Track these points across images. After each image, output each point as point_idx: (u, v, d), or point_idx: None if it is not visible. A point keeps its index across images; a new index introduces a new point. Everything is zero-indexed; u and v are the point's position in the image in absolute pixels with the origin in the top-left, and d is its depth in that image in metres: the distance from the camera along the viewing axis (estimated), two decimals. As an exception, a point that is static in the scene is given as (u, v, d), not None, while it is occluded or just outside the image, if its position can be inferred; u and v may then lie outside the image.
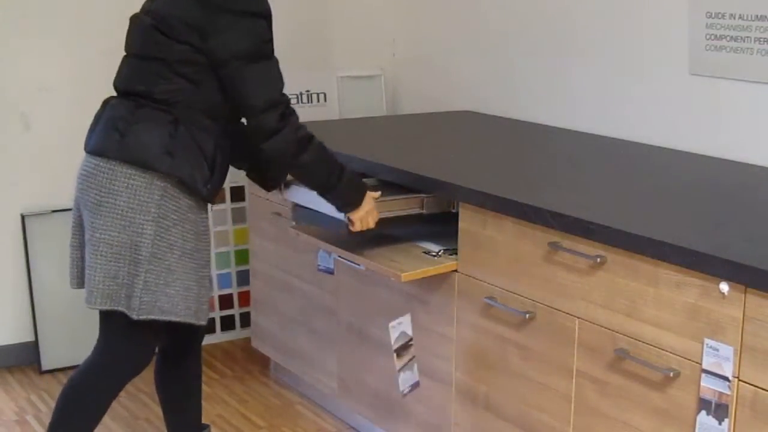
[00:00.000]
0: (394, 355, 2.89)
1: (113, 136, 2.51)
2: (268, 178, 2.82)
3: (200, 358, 2.94)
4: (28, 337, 3.89)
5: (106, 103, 2.62)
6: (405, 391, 2.92)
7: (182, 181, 2.51)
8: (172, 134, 2.49)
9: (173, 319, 2.57)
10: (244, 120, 2.61)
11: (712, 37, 3.03)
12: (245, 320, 4.12)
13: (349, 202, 2.65)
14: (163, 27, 2.50)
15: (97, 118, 2.61)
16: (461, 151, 3.30)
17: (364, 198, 2.66)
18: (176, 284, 2.55)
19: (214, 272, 4.13)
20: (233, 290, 4.18)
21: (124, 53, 2.64)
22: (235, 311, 4.20)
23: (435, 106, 4.13)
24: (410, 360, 2.92)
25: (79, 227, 2.62)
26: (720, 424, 2.05)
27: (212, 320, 4.14)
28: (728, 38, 2.99)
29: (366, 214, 2.67)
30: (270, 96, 2.53)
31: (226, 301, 4.18)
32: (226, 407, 3.58)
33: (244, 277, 4.08)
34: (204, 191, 2.56)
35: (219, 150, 2.58)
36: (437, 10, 4.17)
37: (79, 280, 2.66)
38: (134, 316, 2.53)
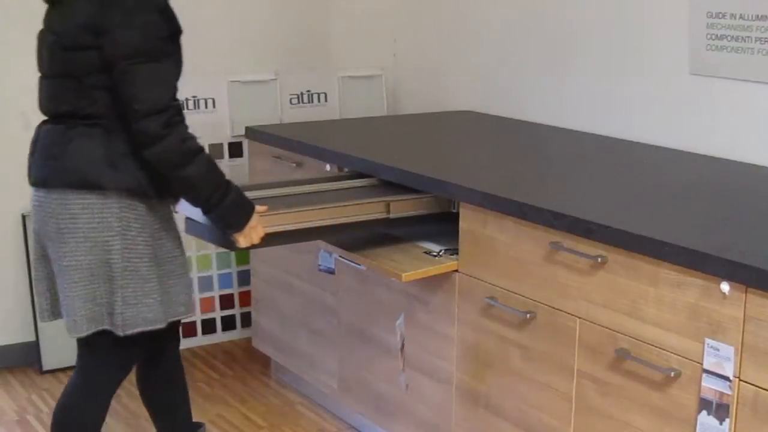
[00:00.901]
0: (400, 354, 2.89)
1: (51, 164, 2.46)
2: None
3: (179, 356, 2.87)
4: (29, 337, 3.89)
5: (39, 128, 2.54)
6: (405, 388, 2.93)
7: (130, 189, 2.45)
8: (106, 146, 2.43)
9: (160, 326, 2.54)
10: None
11: (713, 37, 3.03)
12: (246, 320, 4.12)
13: (231, 223, 2.51)
14: (65, 41, 2.42)
15: (33, 145, 2.55)
16: (461, 151, 3.30)
17: (248, 220, 2.52)
18: (154, 292, 2.51)
19: (215, 272, 4.13)
20: (234, 290, 4.18)
21: (39, 74, 2.54)
22: (236, 311, 4.20)
23: (435, 106, 4.13)
24: (405, 362, 2.93)
25: (43, 259, 2.57)
26: (721, 424, 2.05)
27: (213, 320, 4.15)
28: (729, 38, 2.99)
29: (249, 231, 2.53)
30: (156, 100, 2.38)
31: (226, 301, 4.18)
32: (226, 407, 3.58)
33: (244, 277, 4.08)
34: (154, 193, 2.49)
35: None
36: (438, 11, 4.17)
37: (51, 312, 2.60)
38: (120, 333, 2.50)
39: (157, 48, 2.40)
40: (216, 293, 4.15)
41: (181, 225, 2.69)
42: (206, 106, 4.03)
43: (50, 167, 2.47)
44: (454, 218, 2.74)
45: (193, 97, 4.01)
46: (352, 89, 4.29)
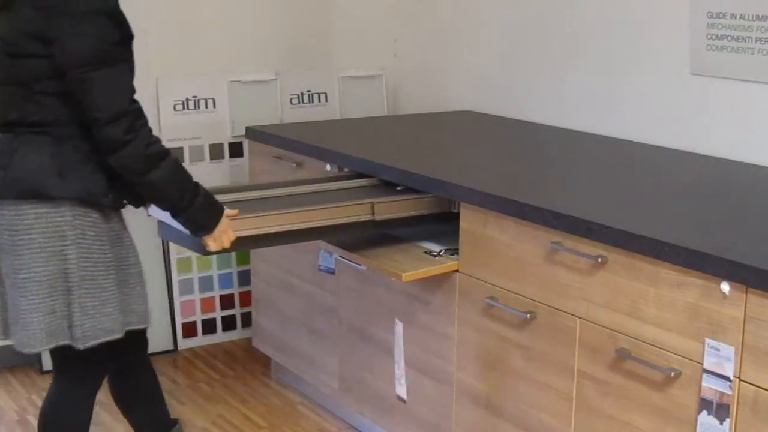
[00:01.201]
0: (402, 357, 2.89)
1: (0, 175, 2.39)
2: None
3: (148, 359, 2.80)
4: (29, 337, 3.89)
5: None
6: (404, 397, 2.93)
7: (80, 199, 2.39)
8: (55, 154, 2.37)
9: (118, 336, 2.48)
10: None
11: (713, 37, 3.03)
12: (246, 320, 4.12)
13: (201, 226, 2.46)
14: (12, 49, 2.35)
15: None
16: (461, 151, 3.29)
17: (218, 222, 2.48)
18: (111, 301, 2.46)
19: (216, 272, 4.13)
20: (234, 290, 4.18)
21: None
22: (236, 311, 4.20)
23: (435, 106, 4.13)
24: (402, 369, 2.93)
25: None
26: (721, 424, 2.05)
27: (213, 320, 4.15)
28: (729, 38, 2.99)
29: (219, 234, 2.48)
30: (116, 106, 2.32)
31: (227, 301, 4.18)
32: (227, 407, 3.58)
33: (245, 277, 4.08)
34: (107, 201, 2.44)
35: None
36: (438, 11, 4.17)
37: (2, 331, 2.51)
38: (80, 346, 2.44)
39: (110, 53, 2.34)
40: (216, 293, 4.15)
41: (154, 229, 2.66)
42: (206, 106, 4.03)
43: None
44: (454, 218, 2.75)
45: (193, 97, 4.01)
46: (352, 89, 4.29)
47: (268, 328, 3.70)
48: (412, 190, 2.85)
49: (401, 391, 2.95)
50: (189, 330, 4.10)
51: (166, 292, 4.05)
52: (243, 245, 2.59)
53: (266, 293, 3.68)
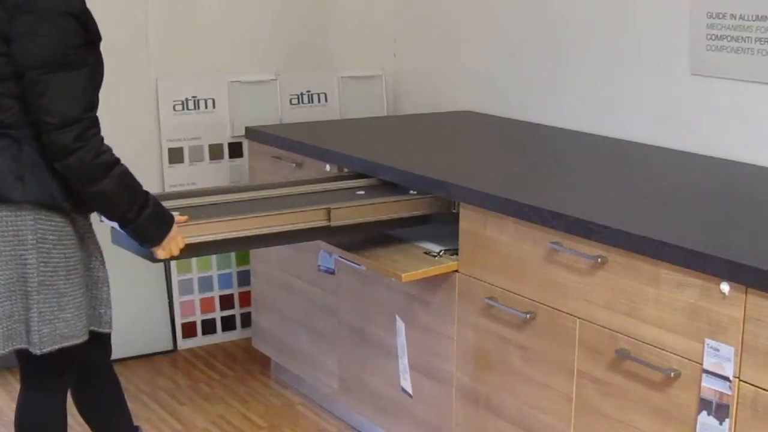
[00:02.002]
0: (406, 356, 2.89)
1: None
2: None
3: (110, 365, 2.75)
4: (29, 338, 3.89)
5: None
6: (409, 391, 2.93)
7: (41, 203, 2.35)
8: (15, 157, 2.32)
9: (76, 342, 2.45)
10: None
11: (713, 37, 3.03)
12: (246, 320, 4.12)
13: (149, 239, 2.41)
14: None
15: None
16: (461, 151, 3.29)
17: (167, 234, 2.42)
18: (70, 306, 2.42)
19: (215, 273, 4.13)
20: (234, 290, 4.18)
21: None
22: (236, 311, 4.20)
23: (435, 106, 4.13)
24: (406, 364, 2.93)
25: None
26: (721, 424, 2.05)
27: (213, 320, 4.15)
28: (729, 38, 2.99)
29: (168, 242, 2.43)
30: (67, 112, 2.25)
31: (226, 301, 4.18)
32: (227, 407, 3.58)
33: (244, 277, 4.08)
34: (67, 205, 2.38)
35: None
36: (438, 11, 4.17)
37: None
38: (37, 351, 2.40)
39: (70, 57, 2.26)
40: (216, 293, 4.15)
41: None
42: (206, 106, 4.03)
43: None
44: (453, 218, 2.74)
45: (193, 97, 4.01)
46: (352, 89, 4.29)
47: (268, 328, 3.70)
48: (423, 192, 2.84)
49: (407, 385, 2.94)
50: (189, 330, 4.10)
51: (165, 293, 4.04)
52: (193, 252, 2.56)
53: (266, 293, 3.68)
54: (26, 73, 2.26)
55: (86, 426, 3.46)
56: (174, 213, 2.51)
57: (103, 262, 2.53)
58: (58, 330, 2.41)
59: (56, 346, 2.41)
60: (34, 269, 2.36)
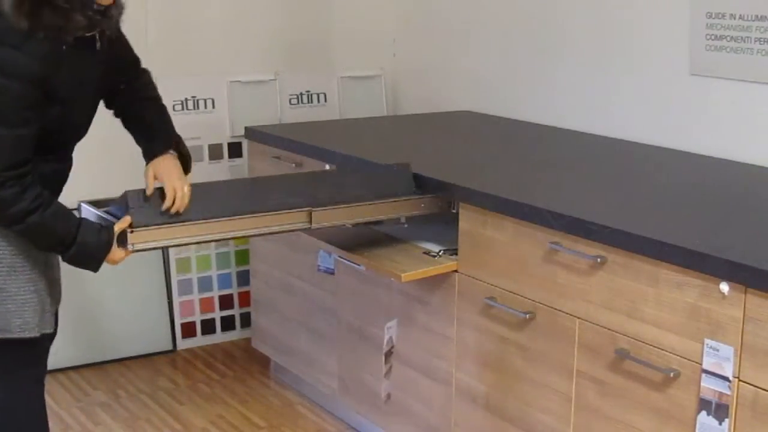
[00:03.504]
0: (383, 358, 2.89)
1: None
2: None
3: (33, 393, 2.64)
4: (29, 338, 3.88)
5: None
6: (384, 399, 2.92)
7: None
8: None
9: (7, 336, 2.43)
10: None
11: (712, 37, 3.03)
12: (245, 320, 4.12)
13: (83, 267, 2.43)
14: None
15: None
16: (461, 151, 3.30)
17: (100, 263, 2.43)
18: (8, 302, 2.41)
19: (215, 273, 4.13)
20: (233, 290, 4.18)
21: None
22: (236, 311, 4.20)
23: (435, 106, 4.13)
24: (390, 369, 2.92)
25: None
26: (720, 424, 2.05)
27: (212, 320, 4.15)
28: (728, 38, 2.99)
29: (110, 261, 2.45)
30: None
31: (226, 302, 4.18)
32: (226, 407, 3.58)
33: (244, 278, 4.08)
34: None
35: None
36: (437, 11, 4.17)
37: None
38: None
39: (9, 115, 2.23)
40: (215, 293, 4.15)
41: None
42: (206, 106, 4.03)
43: None
44: (453, 218, 2.74)
45: (193, 97, 4.01)
46: (351, 89, 4.29)
47: (268, 328, 3.69)
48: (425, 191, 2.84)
49: (387, 387, 2.94)
50: (188, 330, 4.10)
51: (165, 293, 4.04)
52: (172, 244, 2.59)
53: (265, 293, 3.68)
54: None
55: (85, 426, 3.47)
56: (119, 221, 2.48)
57: (52, 265, 2.52)
58: None
59: None
60: None
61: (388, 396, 2.95)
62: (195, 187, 2.58)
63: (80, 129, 2.50)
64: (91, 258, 2.45)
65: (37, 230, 2.37)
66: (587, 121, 3.49)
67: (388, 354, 2.91)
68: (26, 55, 2.22)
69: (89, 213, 2.61)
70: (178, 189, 2.52)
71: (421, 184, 2.82)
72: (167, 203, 2.50)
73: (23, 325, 2.46)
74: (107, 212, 2.56)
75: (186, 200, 2.53)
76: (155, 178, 2.54)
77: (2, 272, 2.42)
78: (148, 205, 2.51)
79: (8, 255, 2.42)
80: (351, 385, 3.22)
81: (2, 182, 2.28)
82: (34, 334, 2.47)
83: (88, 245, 2.43)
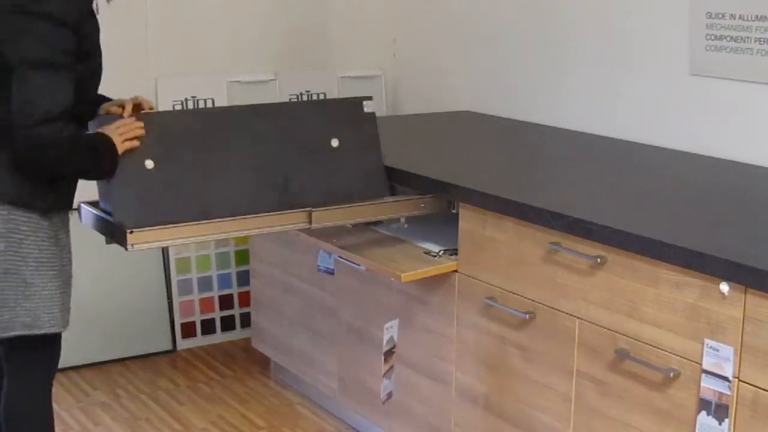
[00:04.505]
0: (382, 358, 2.89)
1: None
2: None
3: (38, 384, 2.65)
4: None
5: None
6: (384, 399, 2.92)
7: (12, 203, 2.38)
8: None
9: (37, 332, 2.47)
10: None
11: (712, 37, 3.03)
12: (245, 320, 4.12)
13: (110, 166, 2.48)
14: None
15: None
16: (461, 151, 3.30)
17: (114, 154, 2.47)
18: (35, 297, 2.45)
19: (215, 273, 4.13)
20: (233, 290, 4.18)
21: None
22: (236, 311, 4.20)
23: (435, 106, 4.13)
24: (391, 368, 2.92)
25: None
26: (720, 424, 2.05)
27: (212, 320, 4.15)
28: (728, 38, 2.99)
29: (120, 138, 2.49)
30: (45, 109, 2.31)
31: (226, 302, 4.18)
32: (226, 407, 3.58)
33: (244, 278, 4.08)
34: (44, 205, 2.42)
35: None
36: (437, 11, 4.17)
37: None
38: None
39: (55, 58, 2.33)
40: (215, 293, 4.15)
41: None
42: (205, 106, 4.03)
43: None
44: (453, 218, 2.75)
45: (192, 97, 4.01)
46: (351, 89, 4.29)
47: (268, 328, 3.70)
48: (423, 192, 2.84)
49: (387, 386, 2.94)
50: (188, 330, 4.10)
51: (165, 293, 4.04)
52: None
53: (265, 293, 3.68)
54: (17, 68, 2.31)
55: (85, 426, 3.47)
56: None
57: (70, 261, 2.56)
58: (19, 317, 2.44)
59: (15, 333, 2.44)
60: (2, 256, 2.39)
61: (389, 395, 2.94)
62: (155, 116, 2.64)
63: (92, 97, 2.55)
64: (102, 150, 2.47)
65: (70, 166, 2.42)
66: (587, 120, 3.49)
67: (389, 354, 2.91)
68: (69, 4, 2.36)
69: (89, 213, 2.63)
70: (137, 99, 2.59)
71: (421, 184, 2.82)
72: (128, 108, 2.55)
73: (52, 321, 2.48)
74: (105, 212, 2.58)
75: (148, 104, 2.59)
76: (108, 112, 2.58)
77: (30, 267, 2.44)
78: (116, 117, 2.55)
79: (36, 250, 2.44)
80: (351, 385, 3.22)
81: (51, 121, 2.32)
82: (61, 329, 2.51)
83: (104, 162, 2.47)
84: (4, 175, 2.38)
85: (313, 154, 2.77)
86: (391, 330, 2.90)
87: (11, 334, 2.44)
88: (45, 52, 2.32)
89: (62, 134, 2.34)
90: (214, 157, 2.65)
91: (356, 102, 2.89)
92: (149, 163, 2.54)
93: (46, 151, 2.34)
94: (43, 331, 2.47)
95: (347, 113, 2.86)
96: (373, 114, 2.90)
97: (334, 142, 2.80)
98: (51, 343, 2.55)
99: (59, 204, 2.48)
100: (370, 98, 2.90)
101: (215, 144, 2.66)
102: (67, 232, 2.55)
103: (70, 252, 2.56)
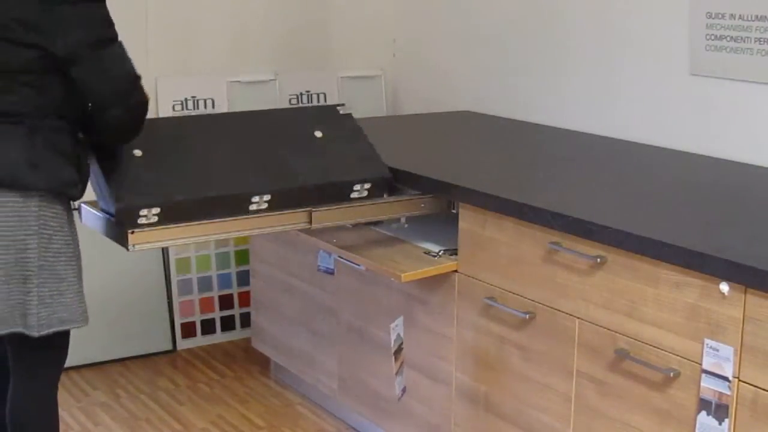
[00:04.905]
0: (393, 357, 2.89)
1: None
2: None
3: (48, 384, 2.64)
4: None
5: None
6: (399, 395, 2.92)
7: (52, 189, 2.41)
8: (28, 145, 2.38)
9: (74, 327, 2.49)
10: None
11: (712, 37, 3.03)
12: (245, 320, 4.12)
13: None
14: (4, 34, 2.35)
15: None
16: (461, 151, 3.30)
17: None
18: (69, 291, 2.47)
19: (215, 273, 4.13)
20: (233, 290, 4.18)
21: None
22: (236, 311, 4.20)
23: (435, 106, 4.13)
24: (402, 364, 2.92)
25: None
26: (720, 424, 2.05)
27: (212, 320, 4.15)
28: (728, 38, 2.99)
29: None
30: (131, 73, 2.46)
31: (226, 301, 4.18)
32: (226, 407, 3.58)
33: (244, 278, 4.08)
34: (77, 193, 2.47)
35: (79, 146, 2.49)
36: (438, 11, 4.17)
37: None
38: (35, 334, 2.43)
39: (111, 32, 2.45)
40: (215, 293, 4.15)
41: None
42: (206, 107, 4.03)
43: None
44: (453, 218, 2.75)
45: (193, 97, 4.01)
46: (351, 89, 4.29)
47: (268, 328, 3.70)
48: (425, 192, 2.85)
49: (401, 382, 2.95)
50: (188, 330, 4.10)
51: (165, 293, 4.04)
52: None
53: (265, 293, 3.68)
54: (80, 59, 2.36)
55: (85, 426, 3.47)
56: None
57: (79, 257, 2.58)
58: (57, 313, 2.45)
59: (53, 329, 2.45)
60: (35, 254, 2.40)
61: (404, 390, 2.94)
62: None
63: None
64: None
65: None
66: (587, 120, 3.49)
67: (398, 351, 2.91)
68: None
69: (89, 213, 2.63)
70: None
71: (421, 184, 2.82)
72: None
73: (83, 314, 2.51)
74: (103, 210, 2.59)
75: None
76: None
77: (61, 262, 2.46)
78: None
79: (64, 245, 2.46)
80: (351, 385, 3.22)
81: (140, 79, 2.46)
82: (87, 323, 2.53)
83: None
84: (43, 164, 2.39)
85: (300, 143, 2.83)
86: (397, 329, 2.90)
87: (50, 331, 2.45)
88: (104, 30, 2.40)
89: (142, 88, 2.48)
90: (203, 146, 2.70)
91: (331, 107, 2.99)
92: (137, 152, 2.57)
93: (147, 108, 2.47)
94: (75, 326, 2.49)
95: (324, 115, 2.94)
96: (349, 114, 2.96)
97: (318, 134, 2.86)
98: (65, 341, 2.55)
99: (83, 192, 2.51)
100: (342, 104, 3.00)
101: (204, 138, 2.72)
102: (74, 224, 2.58)
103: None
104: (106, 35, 2.40)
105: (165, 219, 2.52)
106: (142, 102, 2.47)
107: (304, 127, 2.86)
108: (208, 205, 2.57)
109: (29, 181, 2.38)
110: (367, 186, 2.80)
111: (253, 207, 2.63)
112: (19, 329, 2.44)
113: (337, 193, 2.76)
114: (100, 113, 2.44)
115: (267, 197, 2.63)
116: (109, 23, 2.42)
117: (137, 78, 2.46)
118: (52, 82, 2.39)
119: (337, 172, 2.79)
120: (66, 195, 2.44)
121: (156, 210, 2.50)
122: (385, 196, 2.83)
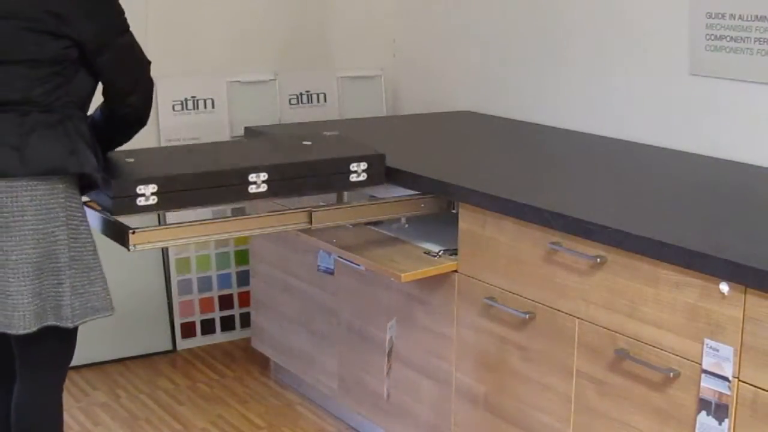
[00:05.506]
0: (386, 358, 2.89)
1: (10, 153, 2.37)
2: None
3: (52, 384, 2.64)
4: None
5: None
6: (386, 397, 2.92)
7: (86, 175, 2.46)
8: (64, 134, 2.42)
9: (106, 315, 2.51)
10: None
11: (712, 37, 3.03)
12: (245, 320, 4.12)
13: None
14: (33, 25, 2.38)
15: None
16: (461, 151, 3.30)
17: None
18: (98, 280, 2.50)
19: (214, 273, 4.13)
20: (233, 290, 4.18)
21: None
22: (235, 311, 4.20)
23: (435, 106, 4.13)
24: (390, 368, 2.92)
25: None
26: (720, 424, 2.05)
27: (212, 320, 4.15)
28: (728, 38, 2.99)
29: None
30: (145, 59, 2.60)
31: (226, 302, 4.18)
32: (226, 407, 3.58)
33: (244, 278, 4.08)
34: (99, 180, 2.54)
35: (94, 136, 2.54)
36: (437, 11, 4.17)
37: None
38: (69, 325, 2.44)
39: (126, 20, 2.57)
40: (215, 293, 4.14)
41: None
42: (205, 107, 4.03)
43: (9, 156, 2.37)
44: (453, 218, 2.75)
45: (193, 97, 4.01)
46: (351, 89, 4.29)
47: (267, 328, 3.70)
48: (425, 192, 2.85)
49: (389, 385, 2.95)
50: (188, 330, 4.10)
51: (164, 293, 4.04)
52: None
53: (265, 293, 3.68)
54: (108, 46, 2.47)
55: (85, 426, 3.47)
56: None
57: None
58: (89, 303, 2.48)
59: (87, 319, 2.48)
60: (65, 245, 2.43)
61: (389, 394, 2.95)
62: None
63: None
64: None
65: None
66: (587, 121, 3.49)
67: (389, 353, 2.92)
68: None
69: (89, 213, 2.63)
70: None
71: (421, 184, 2.82)
72: None
73: (111, 303, 2.54)
74: (102, 207, 2.62)
75: None
76: None
77: (89, 251, 2.49)
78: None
79: (89, 235, 2.49)
80: (351, 385, 3.22)
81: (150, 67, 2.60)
82: (114, 311, 2.56)
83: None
84: (79, 151, 2.43)
85: (290, 149, 2.93)
86: (391, 330, 2.90)
87: (84, 321, 2.49)
88: (122, 18, 2.52)
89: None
90: (196, 151, 2.90)
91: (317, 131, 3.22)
92: (130, 160, 2.65)
93: (150, 92, 2.62)
94: (106, 314, 2.52)
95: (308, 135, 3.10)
96: (335, 133, 3.16)
97: (307, 142, 2.97)
98: (73, 337, 2.56)
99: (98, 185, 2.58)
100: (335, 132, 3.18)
101: (193, 150, 2.94)
102: None
103: None
104: (125, 24, 2.53)
105: (164, 201, 2.53)
106: (151, 88, 2.62)
107: (293, 138, 3.04)
108: (207, 179, 2.61)
109: (70, 166, 2.42)
110: (363, 166, 2.81)
111: (252, 189, 2.65)
112: (52, 322, 2.45)
113: (335, 173, 2.80)
114: (120, 101, 2.55)
115: (264, 176, 2.66)
116: (122, 14, 2.54)
117: (149, 63, 2.59)
118: (78, 72, 2.46)
119: (332, 153, 2.88)
120: (96, 180, 2.51)
121: (153, 188, 2.51)
122: (384, 184, 2.87)
